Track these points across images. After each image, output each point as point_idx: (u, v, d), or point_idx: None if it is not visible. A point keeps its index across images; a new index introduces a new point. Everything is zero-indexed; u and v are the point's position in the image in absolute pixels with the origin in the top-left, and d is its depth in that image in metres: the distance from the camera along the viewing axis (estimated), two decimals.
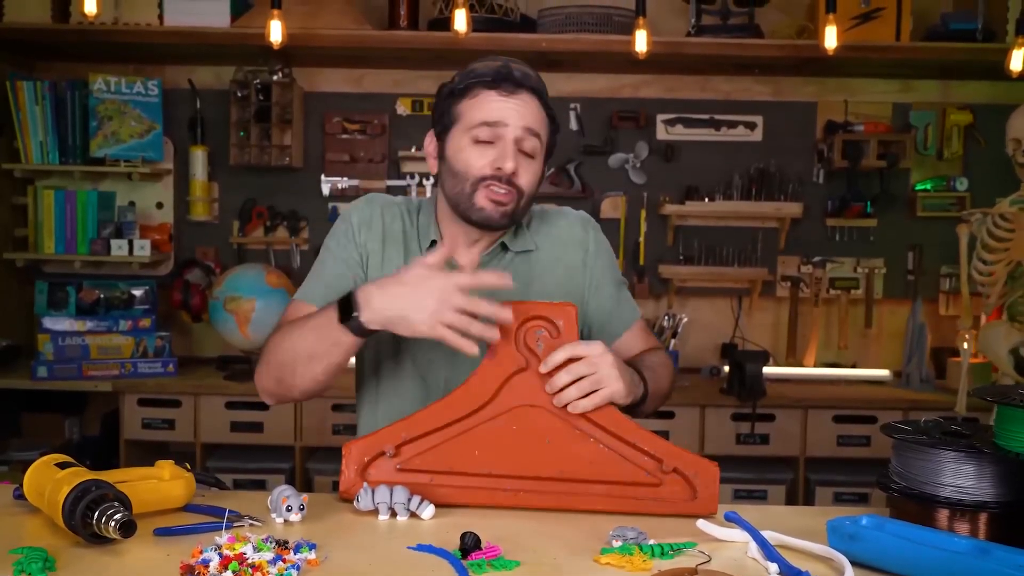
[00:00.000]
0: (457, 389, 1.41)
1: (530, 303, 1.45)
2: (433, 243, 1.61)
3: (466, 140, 1.53)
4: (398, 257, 1.62)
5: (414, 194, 3.60)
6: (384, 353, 1.63)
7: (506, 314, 1.38)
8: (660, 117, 3.65)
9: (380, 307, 1.37)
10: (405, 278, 1.38)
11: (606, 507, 1.37)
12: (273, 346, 1.53)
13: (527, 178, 1.54)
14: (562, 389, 1.39)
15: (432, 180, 3.51)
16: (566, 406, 1.39)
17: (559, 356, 1.38)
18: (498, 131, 1.52)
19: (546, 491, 1.38)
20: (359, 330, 1.39)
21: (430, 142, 1.62)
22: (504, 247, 1.63)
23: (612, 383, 1.39)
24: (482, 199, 1.52)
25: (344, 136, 3.64)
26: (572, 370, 1.38)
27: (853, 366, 3.66)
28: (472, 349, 1.35)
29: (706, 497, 1.37)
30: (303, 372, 1.48)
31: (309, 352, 1.46)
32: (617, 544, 1.21)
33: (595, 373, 1.38)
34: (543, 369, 1.38)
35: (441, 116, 1.58)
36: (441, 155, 1.58)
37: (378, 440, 1.40)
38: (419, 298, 1.35)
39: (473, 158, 1.52)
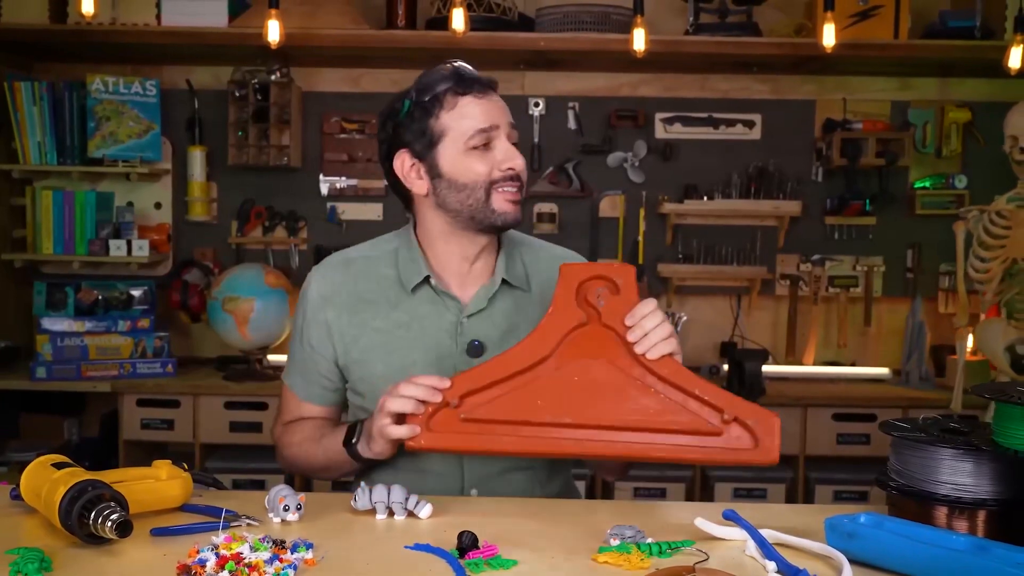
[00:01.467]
0: (518, 344, 1.43)
1: (591, 264, 1.50)
2: (426, 280, 1.58)
3: (461, 150, 1.53)
4: (374, 319, 1.59)
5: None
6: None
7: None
8: (658, 116, 3.65)
9: (368, 433, 1.48)
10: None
11: (670, 455, 1.37)
12: (289, 455, 1.65)
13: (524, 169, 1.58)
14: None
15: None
16: (643, 354, 1.40)
17: (646, 308, 1.41)
18: (491, 134, 1.53)
19: (608, 440, 1.38)
20: (355, 455, 1.51)
21: (405, 163, 1.57)
22: (507, 284, 1.62)
23: (676, 336, 1.45)
24: (500, 202, 1.54)
25: (342, 136, 3.64)
26: (654, 317, 1.41)
27: (852, 364, 3.66)
28: (413, 432, 1.40)
29: (768, 446, 1.35)
30: (319, 473, 1.68)
31: (324, 465, 1.60)
32: (615, 543, 1.21)
33: (667, 322, 1.43)
34: (630, 321, 1.41)
35: (418, 135, 1.54)
36: (433, 174, 1.55)
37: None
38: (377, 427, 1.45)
39: (478, 166, 1.53)
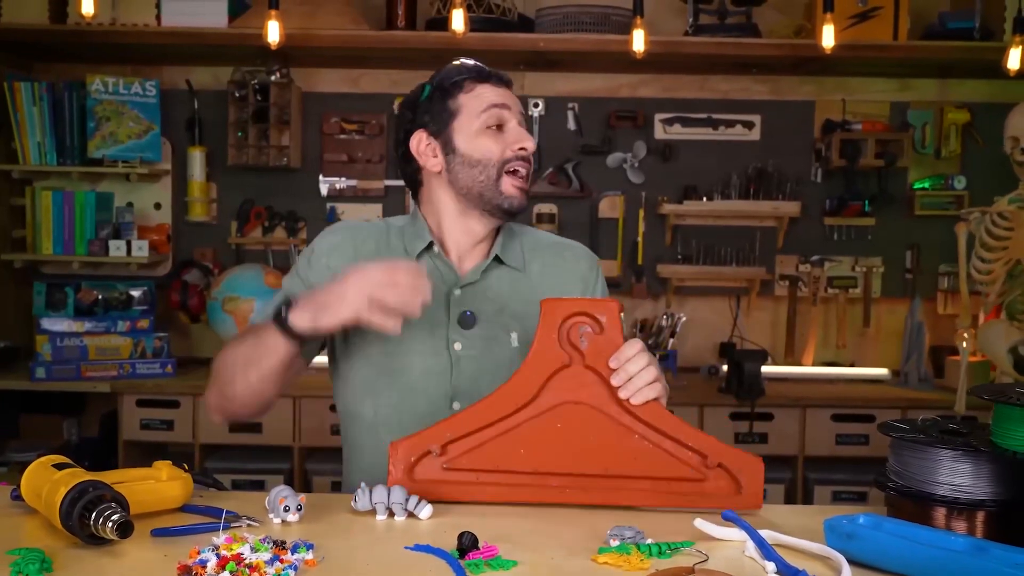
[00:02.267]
0: (501, 387, 1.42)
1: (573, 300, 1.48)
2: (430, 245, 1.62)
3: (476, 128, 1.58)
4: None
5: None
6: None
7: (423, 294, 1.39)
8: (658, 116, 3.66)
9: (305, 304, 1.44)
10: (330, 282, 1.44)
11: (652, 502, 1.38)
12: (218, 360, 1.58)
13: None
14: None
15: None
16: (627, 399, 1.39)
17: (631, 351, 1.39)
18: (503, 114, 1.58)
19: (592, 488, 1.39)
20: (286, 327, 1.44)
21: (421, 141, 1.62)
22: (499, 260, 1.64)
23: (662, 377, 1.44)
24: (508, 186, 1.58)
25: (342, 136, 3.64)
26: (639, 360, 1.39)
27: (851, 365, 3.66)
28: (394, 327, 1.39)
29: (751, 492, 1.37)
30: (240, 380, 1.52)
31: (245, 359, 1.51)
32: (615, 543, 1.21)
33: (653, 366, 1.41)
34: (614, 364, 1.39)
35: (436, 114, 1.60)
36: (448, 150, 1.59)
37: (424, 439, 1.41)
38: (340, 290, 1.40)
39: (491, 143, 1.57)
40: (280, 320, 1.45)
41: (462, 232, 1.63)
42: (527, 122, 1.66)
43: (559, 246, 1.72)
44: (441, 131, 1.59)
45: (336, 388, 1.70)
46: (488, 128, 1.58)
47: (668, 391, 1.47)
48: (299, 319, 1.43)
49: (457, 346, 1.59)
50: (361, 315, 1.39)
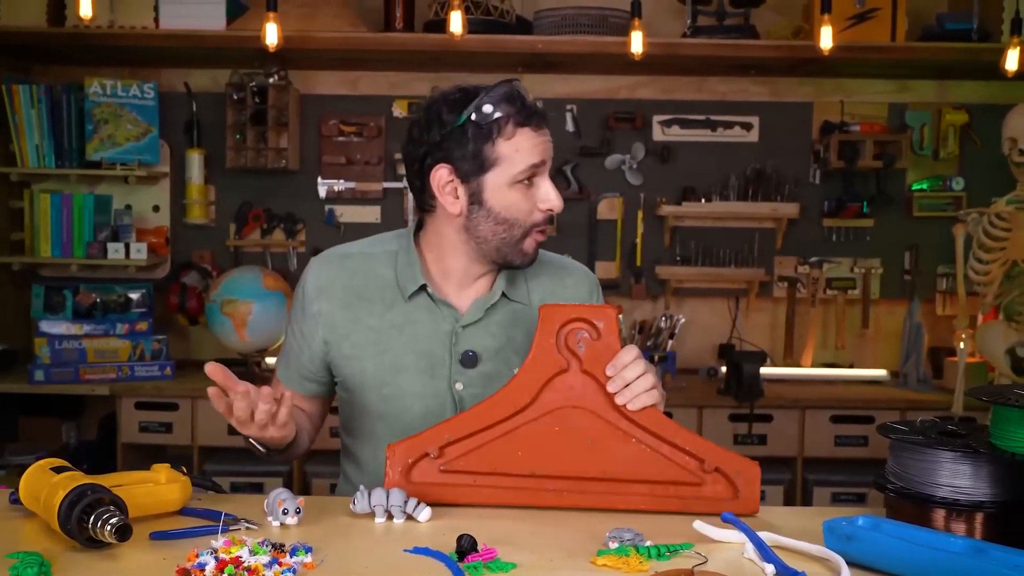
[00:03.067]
0: (499, 391, 1.42)
1: (570, 306, 1.47)
2: (423, 288, 1.57)
3: (506, 183, 1.49)
4: (369, 316, 1.57)
5: (410, 195, 3.59)
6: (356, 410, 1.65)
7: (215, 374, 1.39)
8: (656, 118, 3.66)
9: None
10: None
11: (649, 507, 1.38)
12: None
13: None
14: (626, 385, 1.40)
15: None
16: (624, 405, 1.39)
17: (627, 357, 1.39)
18: (539, 169, 1.51)
19: (589, 491, 1.39)
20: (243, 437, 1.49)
21: (443, 178, 1.50)
22: (505, 296, 1.60)
23: (659, 383, 1.43)
24: (530, 244, 1.53)
25: (340, 139, 3.64)
26: (636, 367, 1.39)
27: (850, 366, 3.66)
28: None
29: (748, 496, 1.38)
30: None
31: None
32: (614, 545, 1.21)
33: (650, 372, 1.41)
34: (610, 371, 1.39)
35: (469, 157, 1.48)
36: (474, 200, 1.50)
37: (421, 442, 1.41)
38: None
39: (522, 202, 1.50)
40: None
41: (463, 270, 1.58)
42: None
43: (560, 271, 1.67)
44: (470, 177, 1.49)
45: (341, 422, 1.72)
46: (519, 183, 1.49)
47: (665, 397, 1.47)
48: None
49: (459, 386, 1.57)
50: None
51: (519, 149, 1.47)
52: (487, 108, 1.46)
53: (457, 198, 1.51)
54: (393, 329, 1.57)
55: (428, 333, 1.57)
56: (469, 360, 1.56)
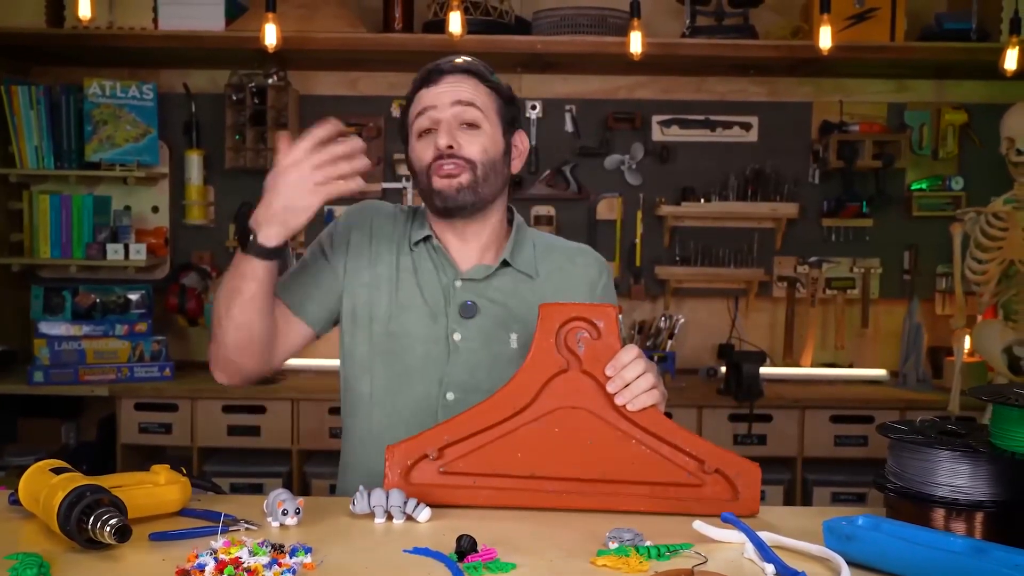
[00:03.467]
0: (498, 391, 1.42)
1: (570, 305, 1.45)
2: (427, 238, 1.64)
3: (414, 139, 1.61)
4: (389, 254, 1.64)
5: (410, 196, 3.60)
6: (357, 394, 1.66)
7: (355, 144, 1.43)
8: (655, 118, 3.66)
9: (266, 218, 1.44)
10: (268, 185, 1.44)
11: (649, 508, 1.38)
12: (213, 310, 1.58)
13: (474, 148, 1.57)
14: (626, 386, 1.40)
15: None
16: (623, 405, 1.39)
17: (627, 356, 1.39)
18: (433, 116, 1.57)
19: (589, 492, 1.39)
20: (261, 250, 1.46)
21: (406, 154, 1.67)
22: (505, 263, 1.64)
23: (660, 383, 1.43)
24: (437, 181, 1.57)
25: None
26: (636, 367, 1.39)
27: (850, 366, 3.66)
28: (357, 184, 1.43)
29: (748, 497, 1.38)
30: (226, 320, 1.52)
31: (228, 295, 1.51)
32: (613, 546, 1.21)
33: (650, 372, 1.41)
34: (610, 371, 1.39)
35: (404, 130, 1.65)
36: (408, 167, 1.65)
37: (421, 443, 1.41)
38: (287, 188, 1.42)
39: (419, 150, 1.59)
40: (250, 243, 1.46)
41: (452, 231, 1.65)
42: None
43: (571, 251, 1.73)
44: (407, 154, 1.65)
45: (341, 365, 1.71)
46: (420, 136, 1.59)
47: (666, 396, 1.47)
48: (269, 235, 1.45)
49: (456, 336, 1.60)
50: (326, 198, 1.43)
51: (415, 109, 1.60)
52: (413, 85, 1.62)
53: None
54: (404, 271, 1.64)
55: (432, 282, 1.63)
56: (467, 310, 1.60)
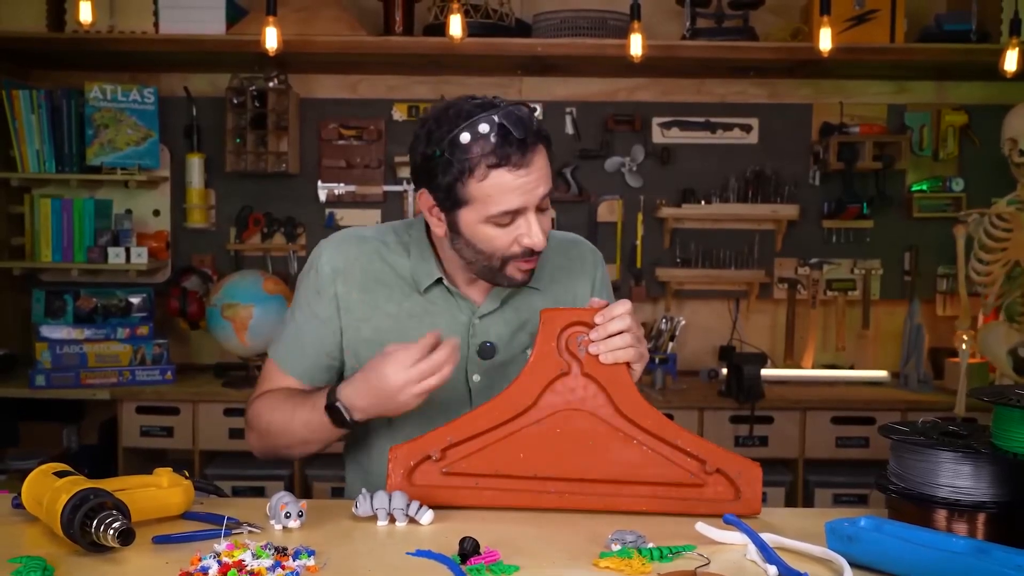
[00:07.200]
0: (501, 393, 1.43)
1: (571, 309, 1.47)
2: (438, 281, 1.56)
3: (481, 220, 1.43)
4: (387, 303, 1.56)
5: (410, 198, 3.60)
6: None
7: (451, 346, 1.41)
8: (656, 120, 3.66)
9: (365, 408, 1.46)
10: (370, 377, 1.43)
11: (651, 508, 1.39)
12: (264, 425, 1.58)
13: (546, 235, 1.47)
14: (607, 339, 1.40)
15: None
16: (596, 355, 1.40)
17: (618, 310, 1.40)
18: (522, 206, 1.42)
19: (591, 493, 1.40)
20: (347, 424, 1.49)
21: (427, 201, 1.48)
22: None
23: (643, 345, 1.44)
24: (512, 270, 1.48)
25: (340, 142, 3.64)
26: (621, 322, 1.40)
27: (851, 367, 3.66)
28: (446, 376, 1.41)
29: (749, 497, 1.38)
30: (300, 451, 1.59)
31: (303, 440, 1.55)
32: (616, 548, 1.21)
33: (633, 332, 1.41)
34: (598, 319, 1.40)
35: (444, 190, 1.43)
36: (453, 230, 1.47)
37: (423, 444, 1.42)
38: (390, 392, 1.41)
39: (497, 238, 1.44)
40: (347, 422, 1.48)
41: (462, 271, 1.56)
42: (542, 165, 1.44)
43: (565, 245, 1.68)
44: (446, 208, 1.45)
45: None
46: (499, 218, 1.42)
47: (646, 359, 1.46)
48: (360, 415, 1.47)
49: (475, 378, 1.58)
50: (420, 400, 1.42)
51: (491, 193, 1.40)
52: (464, 139, 1.39)
53: (440, 221, 1.49)
54: (412, 318, 1.56)
55: (445, 324, 1.55)
56: (487, 351, 1.57)
